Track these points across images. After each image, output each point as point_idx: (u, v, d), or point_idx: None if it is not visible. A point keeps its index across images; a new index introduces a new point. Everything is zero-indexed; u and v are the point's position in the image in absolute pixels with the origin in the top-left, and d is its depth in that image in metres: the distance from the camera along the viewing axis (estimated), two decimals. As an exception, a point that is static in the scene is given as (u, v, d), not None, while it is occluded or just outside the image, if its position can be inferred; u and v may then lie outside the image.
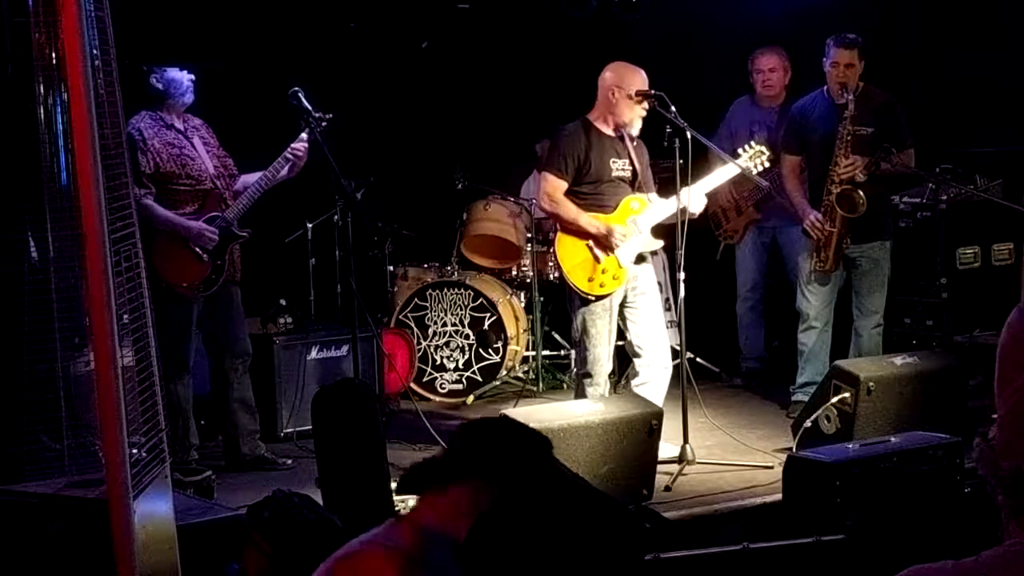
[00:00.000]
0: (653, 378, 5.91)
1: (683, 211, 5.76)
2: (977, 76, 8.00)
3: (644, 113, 5.86)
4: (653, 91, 5.81)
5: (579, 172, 5.84)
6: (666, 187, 6.02)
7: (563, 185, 5.85)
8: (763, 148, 6.15)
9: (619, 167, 5.91)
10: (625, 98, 5.82)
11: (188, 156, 5.70)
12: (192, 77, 5.71)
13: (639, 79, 5.85)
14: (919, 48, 8.12)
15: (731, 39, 8.00)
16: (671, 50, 8.34)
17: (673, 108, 5.74)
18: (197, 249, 5.67)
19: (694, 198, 5.85)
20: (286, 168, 5.74)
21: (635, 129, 5.91)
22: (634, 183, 5.97)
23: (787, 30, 7.68)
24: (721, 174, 6.04)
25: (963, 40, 8.01)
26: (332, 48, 7.97)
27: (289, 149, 5.72)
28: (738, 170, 6.03)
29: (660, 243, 6.03)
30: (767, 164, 6.18)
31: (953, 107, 8.00)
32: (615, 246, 5.81)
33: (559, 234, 5.96)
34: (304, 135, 5.73)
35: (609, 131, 5.90)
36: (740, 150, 6.17)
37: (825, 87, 6.52)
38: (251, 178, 5.84)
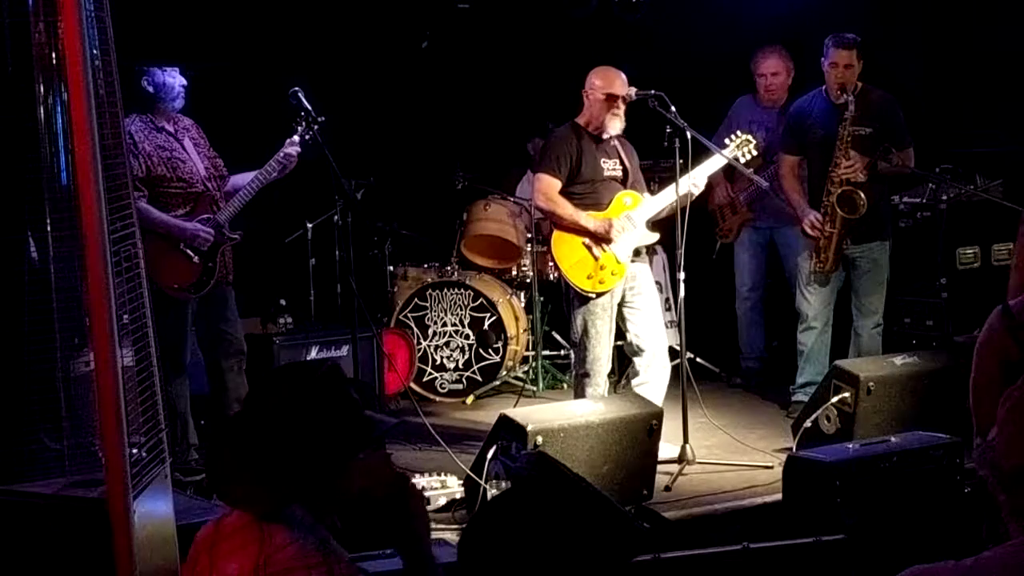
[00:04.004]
0: (653, 378, 5.92)
1: (682, 210, 5.77)
2: (977, 76, 8.00)
3: (619, 114, 5.89)
4: (653, 91, 5.83)
5: (572, 172, 5.87)
6: (666, 186, 6.02)
7: (558, 184, 5.87)
8: (749, 137, 6.16)
9: (610, 167, 5.95)
10: (599, 99, 5.86)
11: (179, 159, 5.70)
12: (184, 83, 5.69)
13: (616, 81, 5.88)
14: (919, 48, 8.12)
15: (731, 39, 8.01)
16: (671, 50, 8.34)
17: (673, 108, 5.75)
18: (188, 251, 5.67)
19: (692, 180, 5.85)
20: (278, 170, 5.74)
21: (614, 129, 5.94)
22: (625, 182, 6.00)
23: (787, 30, 7.68)
24: (712, 162, 6.04)
25: (963, 40, 8.01)
26: (332, 48, 7.96)
27: (283, 152, 5.71)
28: (726, 160, 6.04)
29: (656, 236, 6.04)
30: (754, 152, 6.18)
31: (953, 107, 8.00)
32: (612, 240, 5.82)
33: (555, 233, 5.97)
34: (296, 137, 5.73)
35: (596, 132, 5.93)
36: (726, 140, 6.17)
37: (823, 87, 6.52)
38: (241, 179, 5.84)
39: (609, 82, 5.88)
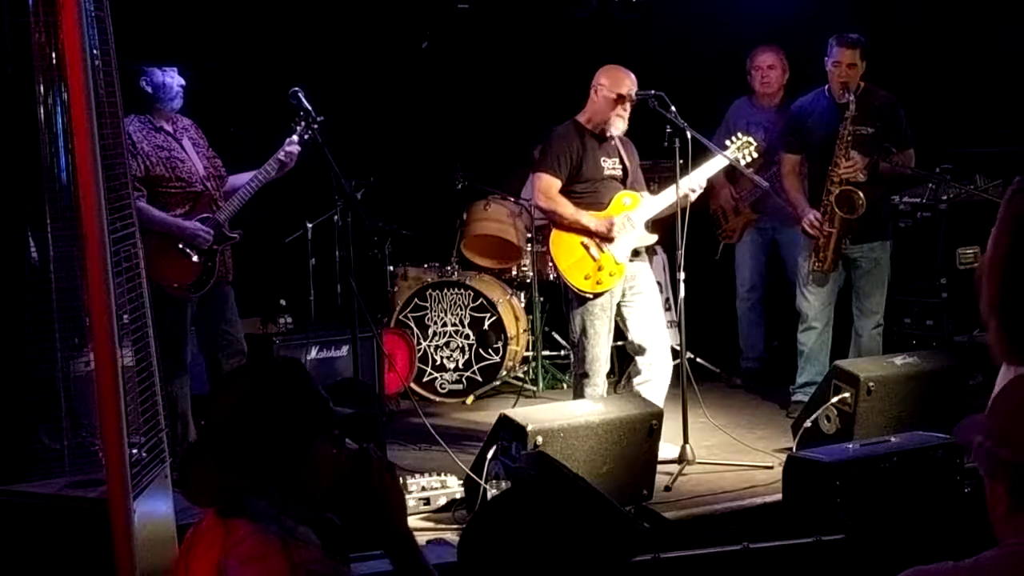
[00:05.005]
0: (656, 375, 5.92)
1: (683, 211, 5.77)
2: (977, 76, 8.00)
3: (625, 115, 5.88)
4: (653, 91, 5.83)
5: (572, 172, 5.87)
6: (666, 186, 6.02)
7: (557, 183, 5.87)
8: (750, 139, 6.15)
9: (610, 166, 5.95)
10: (606, 98, 5.86)
11: (178, 159, 5.70)
12: (182, 83, 5.69)
13: (626, 81, 5.87)
14: (919, 48, 8.12)
15: (731, 39, 8.01)
16: (671, 50, 8.34)
17: (673, 108, 5.75)
18: (188, 250, 5.67)
19: (692, 181, 5.85)
20: (277, 170, 5.74)
21: (616, 129, 5.93)
22: (625, 182, 5.99)
23: (787, 30, 7.68)
24: (713, 164, 6.04)
25: (963, 40, 8.01)
26: (332, 48, 7.97)
27: (282, 151, 5.71)
28: (727, 162, 6.04)
29: (654, 238, 6.04)
30: (755, 155, 6.18)
31: (953, 107, 8.00)
32: (613, 239, 5.82)
33: (553, 232, 5.96)
34: (296, 137, 5.73)
35: (597, 131, 5.93)
36: (727, 142, 6.17)
37: (826, 86, 6.52)
38: (240, 179, 5.84)
39: (618, 82, 5.87)
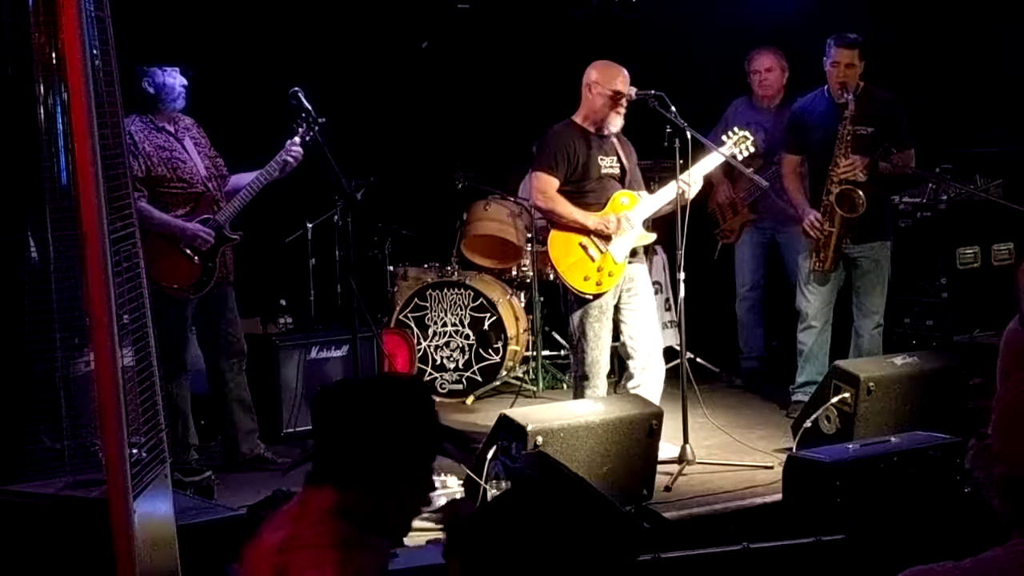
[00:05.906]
0: (647, 380, 5.90)
1: (683, 210, 5.76)
2: (977, 76, 8.00)
3: (622, 111, 5.87)
4: (653, 91, 5.82)
5: (570, 170, 5.86)
6: (665, 185, 6.02)
7: (555, 182, 5.85)
8: (746, 134, 6.15)
9: (607, 165, 5.93)
10: (602, 95, 5.85)
11: (179, 159, 5.70)
12: (184, 83, 5.69)
13: (620, 78, 5.86)
14: (919, 48, 8.12)
15: (731, 39, 8.01)
16: (671, 50, 8.34)
17: (673, 108, 5.74)
18: (188, 251, 5.67)
19: (686, 177, 5.84)
20: (279, 170, 5.74)
21: (614, 127, 5.92)
22: (623, 180, 5.98)
23: (786, 30, 7.68)
24: (710, 160, 6.04)
25: (963, 40, 8.01)
26: (332, 48, 7.97)
27: (285, 152, 5.71)
28: (722, 159, 6.03)
29: (653, 236, 6.03)
30: (751, 149, 6.17)
31: (953, 107, 8.00)
32: (612, 237, 5.81)
33: (552, 234, 5.95)
34: (297, 138, 5.73)
35: (594, 129, 5.92)
36: (723, 137, 6.16)
37: (826, 86, 6.52)
38: (242, 179, 5.84)
39: (612, 79, 5.85)
